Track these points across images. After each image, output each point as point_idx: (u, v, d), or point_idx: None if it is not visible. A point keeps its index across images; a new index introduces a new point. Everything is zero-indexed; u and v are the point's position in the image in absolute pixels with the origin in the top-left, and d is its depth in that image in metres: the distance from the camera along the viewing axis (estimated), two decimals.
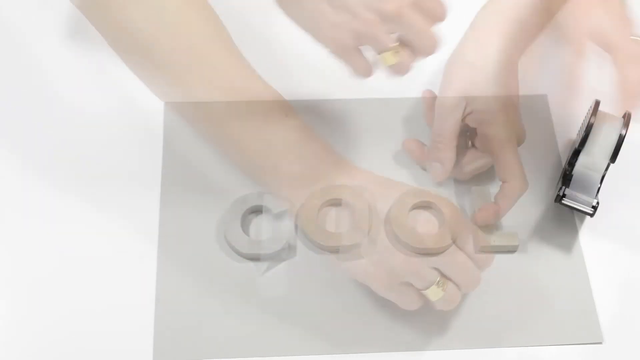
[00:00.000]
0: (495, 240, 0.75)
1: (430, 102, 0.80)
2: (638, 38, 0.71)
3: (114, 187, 0.78)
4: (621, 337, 0.72)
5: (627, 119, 0.74)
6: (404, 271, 0.66)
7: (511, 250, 0.76)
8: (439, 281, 0.66)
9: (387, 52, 0.67)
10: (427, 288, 0.66)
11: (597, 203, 0.74)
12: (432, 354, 0.71)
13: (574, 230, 0.78)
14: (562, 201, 0.74)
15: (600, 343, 0.72)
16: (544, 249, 0.77)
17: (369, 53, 0.69)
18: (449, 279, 0.67)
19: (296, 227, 0.69)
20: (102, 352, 0.70)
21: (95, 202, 0.77)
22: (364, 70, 0.66)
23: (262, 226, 0.76)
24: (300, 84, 0.84)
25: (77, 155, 0.80)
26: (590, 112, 0.74)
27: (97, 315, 0.72)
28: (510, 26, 0.76)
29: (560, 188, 0.75)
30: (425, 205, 0.70)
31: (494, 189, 0.77)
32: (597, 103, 0.75)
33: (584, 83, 0.81)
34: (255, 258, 0.74)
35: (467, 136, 0.78)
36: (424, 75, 0.84)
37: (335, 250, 0.67)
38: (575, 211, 0.75)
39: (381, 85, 0.85)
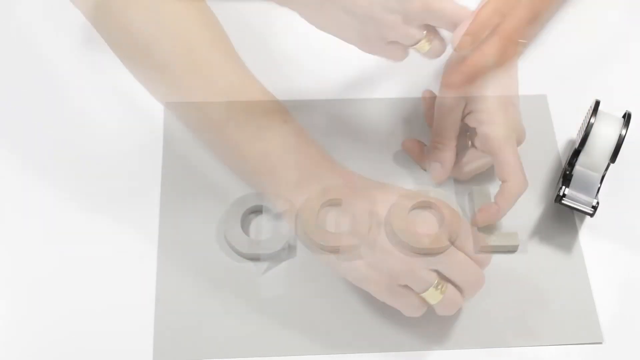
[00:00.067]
0: (495, 240, 0.76)
1: (430, 102, 0.80)
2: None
3: (114, 188, 0.78)
4: (621, 337, 0.72)
5: (627, 119, 0.74)
6: (401, 273, 0.66)
7: (511, 250, 0.76)
8: (437, 283, 0.66)
9: (421, 42, 0.69)
10: (425, 290, 0.66)
11: (597, 203, 0.74)
12: (432, 354, 0.71)
13: (574, 230, 0.78)
14: (562, 201, 0.74)
15: (600, 343, 0.72)
16: (544, 249, 0.77)
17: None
18: (450, 282, 0.67)
19: (296, 227, 0.69)
20: (102, 352, 0.70)
21: (95, 202, 0.77)
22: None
23: (262, 226, 0.76)
24: (300, 84, 0.84)
25: (77, 155, 0.80)
26: (590, 112, 0.74)
27: (97, 315, 0.72)
28: (510, 25, 0.76)
29: (560, 188, 0.75)
30: (424, 206, 0.70)
31: (494, 189, 0.77)
32: (597, 103, 0.75)
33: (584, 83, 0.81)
34: (255, 258, 0.74)
35: (467, 136, 0.78)
36: (424, 76, 0.84)
37: (335, 251, 0.67)
38: (575, 211, 0.75)
39: (381, 85, 0.85)
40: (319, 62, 0.85)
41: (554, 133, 0.83)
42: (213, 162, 0.78)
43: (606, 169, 0.75)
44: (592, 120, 0.73)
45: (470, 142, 0.78)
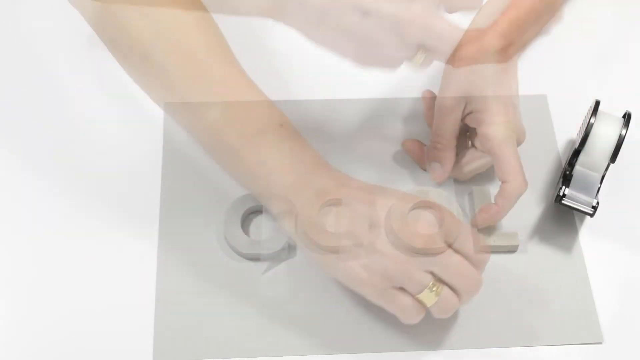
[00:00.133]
0: (495, 240, 0.76)
1: (430, 102, 0.80)
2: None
3: (114, 188, 0.78)
4: (621, 337, 0.72)
5: (627, 119, 0.74)
6: (396, 274, 0.65)
7: (511, 250, 0.76)
8: (432, 285, 0.65)
9: (415, 56, 0.69)
10: (421, 292, 0.65)
11: (597, 203, 0.74)
12: (432, 354, 0.71)
13: (574, 230, 0.78)
14: (562, 201, 0.74)
15: (600, 343, 0.72)
16: (544, 249, 0.77)
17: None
18: (446, 284, 0.66)
19: (295, 228, 0.68)
20: (102, 352, 0.70)
21: (95, 202, 0.77)
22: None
23: (262, 226, 0.76)
24: (300, 84, 0.84)
25: (77, 155, 0.80)
26: (590, 112, 0.74)
27: (97, 315, 0.72)
28: (509, 25, 0.76)
29: (560, 188, 0.75)
30: (424, 206, 0.70)
31: (494, 189, 0.77)
32: (597, 103, 0.75)
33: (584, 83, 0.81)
34: (255, 258, 0.74)
35: (467, 136, 0.78)
36: (423, 76, 0.84)
37: (335, 251, 0.67)
38: (575, 211, 0.75)
39: (381, 85, 0.85)
40: (319, 61, 0.85)
41: (554, 133, 0.83)
42: (213, 162, 0.78)
43: (606, 169, 0.75)
44: (592, 120, 0.73)
45: (470, 142, 0.78)
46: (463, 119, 0.75)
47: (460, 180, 0.79)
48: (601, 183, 0.75)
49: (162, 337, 0.71)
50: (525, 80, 0.77)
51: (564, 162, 0.81)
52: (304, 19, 0.69)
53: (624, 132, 0.73)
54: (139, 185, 0.78)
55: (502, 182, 0.73)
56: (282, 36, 0.86)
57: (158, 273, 0.74)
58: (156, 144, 0.80)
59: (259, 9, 0.69)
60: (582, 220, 0.78)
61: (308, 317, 0.72)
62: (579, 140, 0.74)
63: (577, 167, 0.75)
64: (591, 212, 0.74)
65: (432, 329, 0.72)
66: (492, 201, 0.75)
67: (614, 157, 0.73)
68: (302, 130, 0.81)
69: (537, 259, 0.76)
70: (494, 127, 0.73)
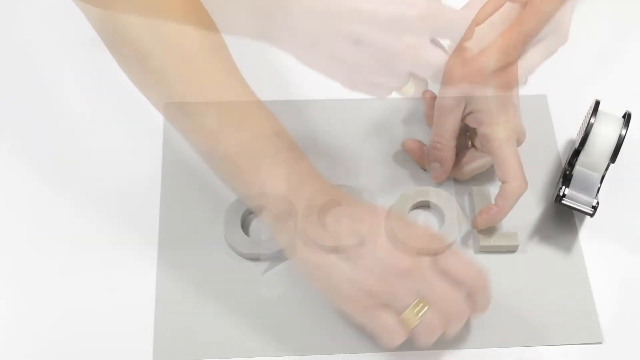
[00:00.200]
0: (495, 240, 0.76)
1: (430, 102, 0.79)
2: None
3: (114, 187, 0.78)
4: (621, 337, 0.72)
5: (627, 119, 0.74)
6: (380, 291, 0.64)
7: (511, 250, 0.76)
8: (415, 305, 0.64)
9: (406, 86, 0.73)
10: (403, 311, 0.64)
11: (597, 203, 0.74)
12: (432, 354, 0.71)
13: (574, 230, 0.78)
14: (562, 201, 0.74)
15: (600, 343, 0.72)
16: (544, 249, 0.77)
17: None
18: (432, 309, 0.65)
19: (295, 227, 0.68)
20: (102, 352, 0.70)
21: (95, 202, 0.77)
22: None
23: (262, 226, 0.76)
24: (299, 84, 0.84)
25: (77, 155, 0.80)
26: (590, 112, 0.74)
27: (97, 315, 0.72)
28: (510, 25, 0.76)
29: (560, 188, 0.75)
30: (424, 205, 0.70)
31: (494, 189, 0.77)
32: (597, 103, 0.75)
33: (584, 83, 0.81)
34: (255, 258, 0.74)
35: (467, 136, 0.78)
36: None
37: (335, 250, 0.67)
38: (575, 211, 0.75)
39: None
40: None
41: (554, 133, 0.83)
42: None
43: (606, 169, 0.75)
44: (592, 120, 0.73)
45: (470, 142, 0.78)
46: (463, 119, 0.75)
47: (460, 180, 0.79)
48: (601, 183, 0.75)
49: (162, 337, 0.71)
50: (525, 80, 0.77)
51: (564, 162, 0.81)
52: (295, 45, 0.70)
53: (624, 132, 0.73)
54: (139, 185, 0.78)
55: (502, 183, 0.73)
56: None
57: (158, 273, 0.74)
58: (156, 144, 0.80)
59: (251, 32, 0.69)
60: (582, 220, 0.78)
61: (308, 317, 0.72)
62: (579, 140, 0.74)
63: (577, 167, 0.75)
64: (591, 212, 0.74)
65: None
66: (492, 201, 0.76)
67: (614, 157, 0.73)
68: (301, 130, 0.81)
69: (537, 259, 0.76)
70: (494, 127, 0.73)
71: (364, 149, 0.81)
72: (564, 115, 0.84)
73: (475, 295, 0.66)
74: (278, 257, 0.74)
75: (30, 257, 0.74)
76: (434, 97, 0.78)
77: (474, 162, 0.78)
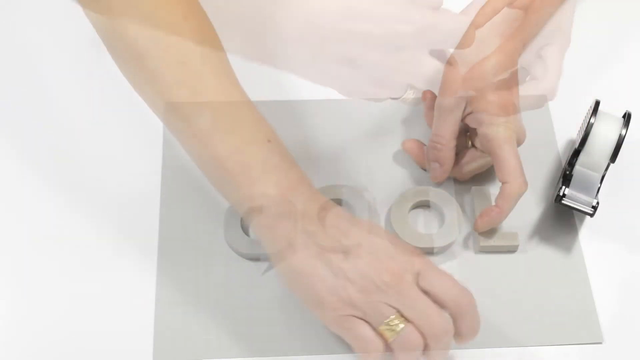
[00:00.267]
0: (495, 240, 0.76)
1: (430, 102, 0.79)
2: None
3: (114, 188, 0.78)
4: (621, 337, 0.72)
5: (627, 119, 0.74)
6: (359, 301, 0.64)
7: (511, 250, 0.76)
8: (394, 318, 0.63)
9: (405, 93, 0.73)
10: (380, 324, 0.64)
11: (597, 203, 0.74)
12: (432, 354, 0.71)
13: (574, 230, 0.78)
14: (562, 201, 0.74)
15: (600, 343, 0.72)
16: (544, 249, 0.77)
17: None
18: (413, 325, 0.64)
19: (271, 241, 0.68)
20: (102, 352, 0.70)
21: (96, 202, 0.77)
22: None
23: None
24: (299, 84, 0.84)
25: (77, 155, 0.80)
26: (590, 112, 0.74)
27: (97, 315, 0.72)
28: (510, 26, 0.76)
29: (560, 188, 0.75)
30: (424, 205, 0.70)
31: (494, 189, 0.77)
32: (597, 103, 0.75)
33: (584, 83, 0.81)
34: (255, 258, 0.74)
35: (467, 136, 0.78)
36: (421, 72, 0.84)
37: (336, 250, 0.67)
38: (575, 211, 0.75)
39: (379, 76, 0.85)
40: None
41: (554, 133, 0.83)
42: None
43: (606, 169, 0.75)
44: (592, 120, 0.73)
45: (470, 143, 0.78)
46: (463, 119, 0.75)
47: (460, 180, 0.79)
48: (601, 183, 0.75)
49: (162, 337, 0.71)
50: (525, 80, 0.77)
51: (564, 162, 0.81)
52: (292, 67, 0.70)
53: (624, 132, 0.73)
54: (139, 185, 0.78)
55: (502, 183, 0.73)
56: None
57: (158, 273, 0.74)
58: (156, 144, 0.80)
59: (245, 54, 0.70)
60: (582, 220, 0.78)
61: (308, 317, 0.72)
62: (579, 140, 0.74)
63: (577, 167, 0.75)
64: (591, 212, 0.74)
65: None
66: (492, 201, 0.76)
67: (614, 157, 0.73)
68: (301, 130, 0.81)
69: (537, 259, 0.76)
70: (494, 128, 0.73)
71: (364, 149, 0.81)
72: (564, 115, 0.84)
73: (459, 319, 0.65)
74: (277, 274, 0.74)
75: (30, 257, 0.74)
76: (434, 97, 0.78)
77: (474, 162, 0.78)
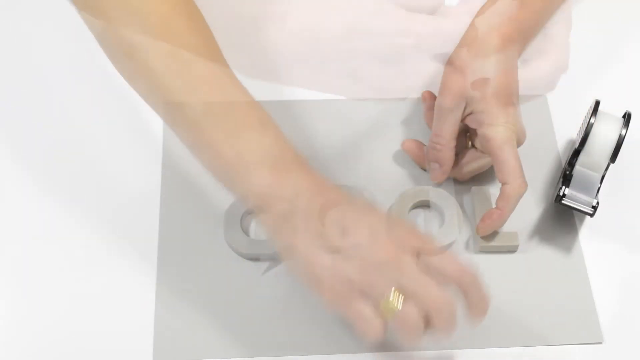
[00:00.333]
0: (495, 240, 0.76)
1: (430, 102, 0.80)
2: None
3: (114, 188, 0.78)
4: (621, 337, 0.72)
5: (627, 119, 0.74)
6: (357, 279, 0.63)
7: (511, 250, 0.76)
8: (393, 294, 0.62)
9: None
10: (380, 300, 0.63)
11: (597, 203, 0.74)
12: (432, 354, 0.71)
13: (574, 230, 0.78)
14: (562, 201, 0.74)
15: (600, 343, 0.72)
16: (544, 249, 0.77)
17: None
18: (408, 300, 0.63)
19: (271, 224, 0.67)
20: (102, 352, 0.70)
21: (95, 202, 0.77)
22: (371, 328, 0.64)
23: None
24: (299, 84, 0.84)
25: (77, 156, 0.80)
26: (590, 112, 0.74)
27: (97, 315, 0.72)
28: (509, 26, 0.76)
29: (560, 188, 0.74)
30: (424, 205, 0.69)
31: (493, 189, 0.77)
32: (597, 103, 0.75)
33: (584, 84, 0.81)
34: (255, 258, 0.74)
35: (467, 136, 0.78)
36: (424, 76, 0.84)
37: (317, 239, 0.66)
38: (575, 211, 0.75)
39: (381, 85, 0.85)
40: (318, 61, 0.85)
41: (554, 133, 0.83)
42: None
43: (606, 169, 0.75)
44: (592, 120, 0.73)
45: (470, 143, 0.78)
46: (463, 119, 0.76)
47: (460, 181, 0.79)
48: (601, 183, 0.75)
49: (162, 337, 0.71)
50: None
51: (564, 162, 0.81)
52: (295, 83, 0.71)
53: (624, 132, 0.73)
54: (139, 185, 0.78)
55: (502, 184, 0.73)
56: (282, 37, 0.86)
57: (158, 273, 0.74)
58: (156, 144, 0.80)
59: (247, 73, 0.71)
60: (582, 220, 0.78)
61: (308, 317, 0.72)
62: (579, 140, 0.74)
63: (577, 167, 0.75)
64: (591, 212, 0.74)
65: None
66: (492, 201, 0.76)
67: (614, 157, 0.73)
68: (301, 130, 0.81)
69: (537, 259, 0.76)
70: (494, 128, 0.73)
71: (364, 149, 0.81)
72: (564, 115, 0.84)
73: (468, 295, 0.64)
74: (278, 257, 0.74)
75: (30, 257, 0.75)
76: (433, 98, 0.79)
77: (474, 163, 0.78)
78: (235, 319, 0.72)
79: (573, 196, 0.74)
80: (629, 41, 0.90)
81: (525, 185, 0.72)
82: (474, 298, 0.65)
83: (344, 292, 0.64)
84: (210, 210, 0.76)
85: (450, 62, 0.77)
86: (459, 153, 0.78)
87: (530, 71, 0.81)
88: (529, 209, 0.78)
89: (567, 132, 0.83)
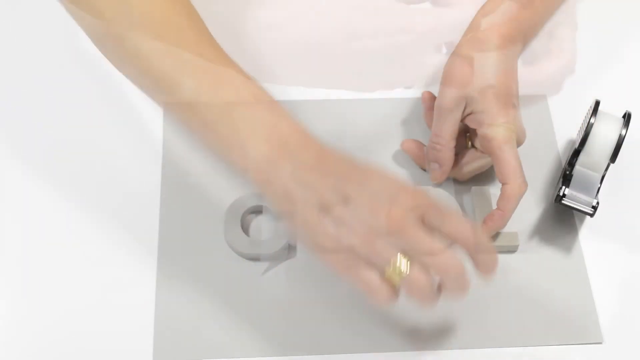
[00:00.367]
0: (495, 240, 0.75)
1: (429, 103, 0.80)
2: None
3: (114, 188, 0.78)
4: (621, 337, 0.72)
5: (627, 119, 0.74)
6: (362, 247, 0.62)
7: (511, 250, 0.76)
8: (399, 259, 0.62)
9: None
10: (385, 266, 0.62)
11: (597, 203, 0.74)
12: (432, 354, 0.71)
13: (574, 230, 0.78)
14: (562, 201, 0.74)
15: (600, 343, 0.72)
16: (544, 249, 0.77)
17: None
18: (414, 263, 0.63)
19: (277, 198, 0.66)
20: (102, 352, 0.70)
21: (95, 202, 0.77)
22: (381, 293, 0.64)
23: (262, 226, 0.76)
24: (297, 74, 0.84)
25: (77, 155, 0.80)
26: (590, 112, 0.74)
27: (97, 315, 0.72)
28: (510, 26, 0.76)
29: (560, 188, 0.74)
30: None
31: (493, 189, 0.77)
32: (597, 103, 0.75)
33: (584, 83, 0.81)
34: (255, 258, 0.74)
35: (467, 136, 0.78)
36: (423, 76, 0.84)
37: (336, 199, 0.65)
38: (575, 211, 0.75)
39: (379, 80, 0.85)
40: (319, 62, 0.85)
41: (554, 133, 0.83)
42: (213, 162, 0.79)
43: (606, 169, 0.75)
44: (592, 120, 0.73)
45: (470, 143, 0.78)
46: (463, 119, 0.76)
47: (460, 181, 0.79)
48: (601, 183, 0.75)
49: (162, 337, 0.71)
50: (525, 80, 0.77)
51: (564, 162, 0.81)
52: (296, 83, 0.71)
53: (624, 132, 0.73)
54: (139, 185, 0.78)
55: (503, 185, 0.73)
56: (283, 37, 0.87)
57: (158, 273, 0.74)
58: (156, 144, 0.80)
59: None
60: (582, 220, 0.78)
61: (308, 317, 0.72)
62: (579, 140, 0.74)
63: (577, 167, 0.75)
64: (591, 212, 0.74)
65: (432, 329, 0.72)
66: (492, 201, 0.75)
67: (614, 157, 0.73)
68: None
69: (537, 259, 0.76)
70: (494, 128, 0.73)
71: (364, 149, 0.81)
72: (564, 115, 0.84)
73: (473, 252, 0.64)
74: (278, 257, 0.74)
75: (30, 257, 0.75)
76: (433, 98, 0.79)
77: (474, 163, 0.78)
78: (235, 319, 0.72)
79: (573, 196, 0.74)
80: (629, 41, 0.90)
81: (525, 185, 0.72)
82: (482, 257, 0.64)
83: (349, 262, 0.63)
84: (210, 210, 0.76)
85: (450, 62, 0.77)
86: (459, 153, 0.78)
87: (536, 72, 0.81)
88: (529, 209, 0.78)
89: (567, 132, 0.83)
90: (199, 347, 0.71)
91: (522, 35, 0.78)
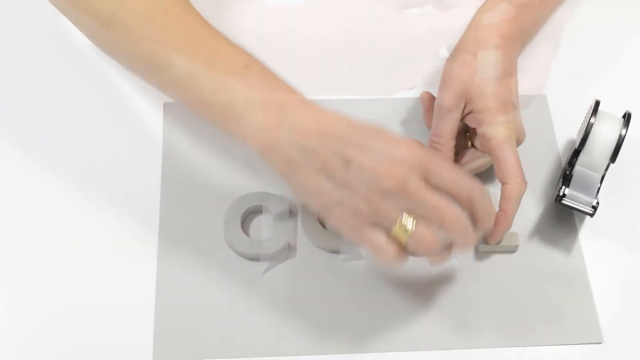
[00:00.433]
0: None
1: (428, 103, 0.80)
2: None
3: (114, 188, 0.78)
4: (621, 337, 0.72)
5: (627, 119, 0.74)
6: (366, 209, 0.63)
7: (511, 250, 0.76)
8: (404, 218, 0.62)
9: None
10: (391, 226, 0.63)
11: (597, 203, 0.74)
12: (432, 353, 0.71)
13: (574, 230, 0.78)
14: (562, 201, 0.74)
15: (600, 343, 0.72)
16: (544, 249, 0.77)
17: None
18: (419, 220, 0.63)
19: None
20: (102, 352, 0.70)
21: (96, 202, 0.77)
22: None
23: (262, 226, 0.76)
24: (299, 84, 0.84)
25: (77, 155, 0.80)
26: (590, 112, 0.74)
27: (97, 315, 0.72)
28: (510, 26, 0.76)
29: (560, 188, 0.74)
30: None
31: (493, 189, 0.77)
32: (597, 103, 0.75)
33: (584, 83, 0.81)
34: (255, 258, 0.74)
35: (467, 136, 0.78)
36: (423, 76, 0.84)
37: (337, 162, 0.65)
38: (575, 211, 0.75)
39: (381, 85, 0.85)
40: (319, 62, 0.85)
41: (554, 133, 0.83)
42: (213, 162, 0.79)
43: (606, 169, 0.75)
44: (592, 120, 0.73)
45: (470, 142, 0.78)
46: (463, 119, 0.76)
47: None
48: (601, 183, 0.75)
49: (162, 337, 0.71)
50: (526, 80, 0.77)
51: (564, 162, 0.81)
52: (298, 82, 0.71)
53: (624, 132, 0.73)
54: (139, 185, 0.78)
55: (502, 184, 0.73)
56: (283, 38, 0.87)
57: (158, 273, 0.74)
58: (156, 144, 0.80)
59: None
60: (582, 220, 0.78)
61: (308, 317, 0.72)
62: (579, 140, 0.74)
63: (577, 167, 0.75)
64: (591, 212, 0.74)
65: (432, 328, 0.72)
66: (492, 200, 0.75)
67: (614, 157, 0.73)
68: None
69: (537, 259, 0.76)
70: (493, 128, 0.73)
71: None
72: (564, 115, 0.84)
73: (474, 208, 0.65)
74: (278, 257, 0.74)
75: (30, 258, 0.74)
76: (432, 99, 0.79)
77: (474, 162, 0.78)
78: (235, 319, 0.72)
79: (573, 196, 0.74)
80: (629, 41, 0.90)
81: (525, 184, 0.72)
82: (482, 211, 0.65)
83: (355, 224, 0.64)
84: (210, 210, 0.76)
85: (450, 61, 0.77)
86: (459, 153, 0.78)
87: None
88: (529, 209, 0.78)
89: (567, 132, 0.83)
90: (199, 347, 0.71)
91: (521, 35, 0.78)
